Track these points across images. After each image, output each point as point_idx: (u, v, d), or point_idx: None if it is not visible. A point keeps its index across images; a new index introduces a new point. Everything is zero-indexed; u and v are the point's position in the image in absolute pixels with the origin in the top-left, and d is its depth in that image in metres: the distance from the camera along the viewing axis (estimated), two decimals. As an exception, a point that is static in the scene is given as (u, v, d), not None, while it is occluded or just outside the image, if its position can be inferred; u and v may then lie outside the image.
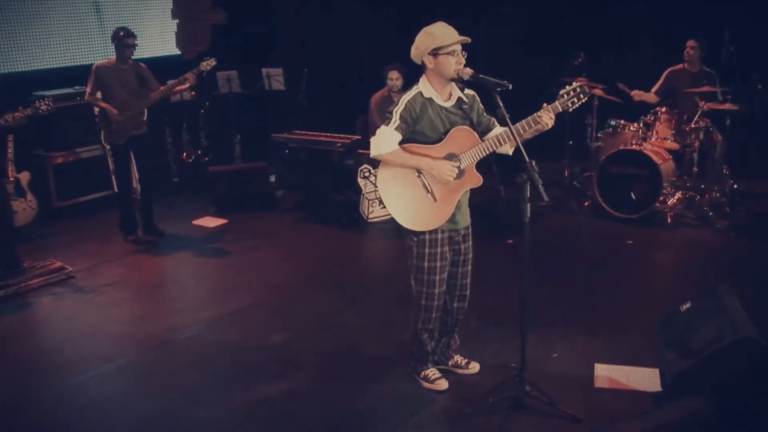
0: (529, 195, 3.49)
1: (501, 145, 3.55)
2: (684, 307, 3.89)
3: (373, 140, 3.55)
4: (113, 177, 6.98)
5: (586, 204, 6.84)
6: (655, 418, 2.98)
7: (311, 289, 5.37)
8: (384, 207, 6.53)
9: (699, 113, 6.42)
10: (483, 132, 3.68)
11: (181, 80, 6.30)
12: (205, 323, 4.86)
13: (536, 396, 3.65)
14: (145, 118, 6.43)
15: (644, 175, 6.39)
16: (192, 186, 7.91)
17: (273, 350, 4.46)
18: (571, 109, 3.61)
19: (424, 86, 3.56)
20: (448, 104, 3.60)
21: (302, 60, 8.42)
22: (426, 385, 3.91)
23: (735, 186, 6.75)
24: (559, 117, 7.02)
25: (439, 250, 3.69)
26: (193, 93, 8.11)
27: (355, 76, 8.61)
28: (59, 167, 7.33)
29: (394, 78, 6.68)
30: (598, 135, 6.98)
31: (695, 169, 6.51)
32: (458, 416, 3.64)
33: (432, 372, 3.93)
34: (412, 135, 3.56)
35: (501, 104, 3.45)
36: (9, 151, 6.53)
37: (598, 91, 6.88)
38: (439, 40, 3.45)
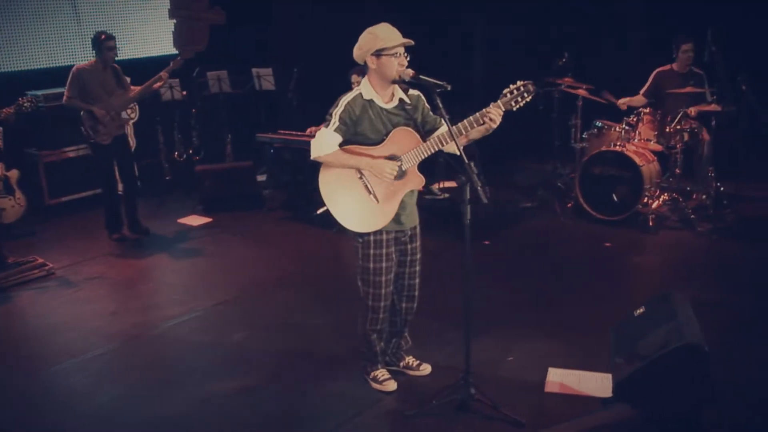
0: (468, 196, 3.44)
1: (443, 144, 3.55)
2: (638, 312, 3.85)
3: (313, 142, 3.57)
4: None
5: (569, 205, 6.80)
6: (581, 423, 2.94)
7: (282, 289, 5.41)
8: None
9: (681, 114, 6.34)
10: (429, 131, 3.69)
11: (156, 79, 6.38)
12: (173, 321, 4.92)
13: (481, 399, 3.64)
14: (126, 119, 6.56)
15: (626, 177, 6.34)
16: (183, 185, 8.00)
17: (233, 349, 4.50)
18: (515, 108, 3.59)
19: (365, 88, 3.57)
20: (390, 105, 3.61)
21: (296, 60, 8.47)
22: (375, 385, 3.92)
23: (721, 188, 6.68)
24: (545, 117, 7.05)
25: (384, 251, 3.70)
26: (185, 93, 8.20)
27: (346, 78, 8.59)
28: (50, 165, 7.46)
29: (356, 81, 6.70)
30: (583, 136, 6.93)
31: (678, 171, 6.42)
32: (402, 418, 3.65)
33: (381, 373, 3.94)
34: (354, 136, 3.58)
35: (440, 105, 3.45)
36: (-2, 146, 6.65)
37: (582, 92, 6.84)
38: (382, 42, 3.46)
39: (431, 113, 3.72)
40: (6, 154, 6.74)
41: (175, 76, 7.86)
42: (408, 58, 3.54)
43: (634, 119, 6.58)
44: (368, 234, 3.66)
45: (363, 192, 3.60)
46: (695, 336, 3.34)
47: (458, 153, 3.45)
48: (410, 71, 3.50)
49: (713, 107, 6.33)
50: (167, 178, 8.31)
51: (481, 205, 7.21)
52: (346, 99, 3.55)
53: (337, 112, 3.53)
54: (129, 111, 7.86)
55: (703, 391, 3.35)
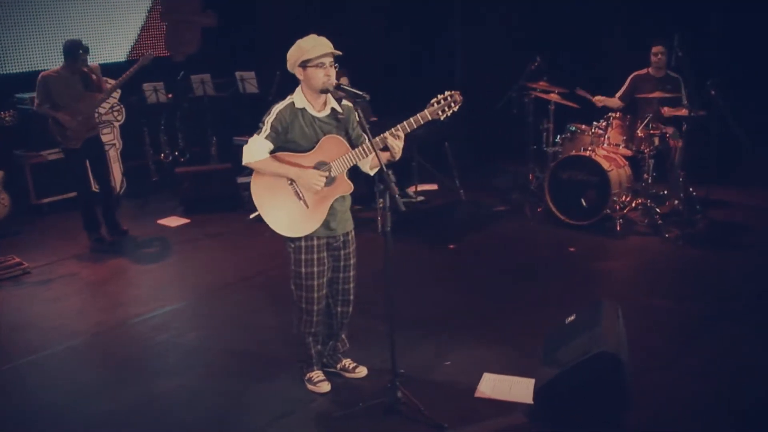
0: (389, 203, 3.52)
1: (367, 155, 3.63)
2: (569, 319, 3.91)
3: (245, 149, 3.67)
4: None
5: (539, 210, 6.84)
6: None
7: (243, 289, 5.53)
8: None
9: (648, 119, 6.36)
10: (358, 142, 3.77)
11: (127, 74, 6.45)
12: (135, 320, 5.06)
13: (407, 403, 3.72)
14: (97, 120, 6.71)
15: (594, 182, 6.37)
16: (169, 186, 8.15)
17: (183, 348, 4.63)
18: (442, 117, 3.68)
19: (297, 97, 3.67)
20: (322, 114, 3.70)
21: (278, 63, 8.57)
22: (310, 387, 4.02)
23: (694, 193, 6.68)
24: (520, 121, 7.08)
25: (315, 256, 3.79)
26: (170, 95, 8.36)
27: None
28: (37, 167, 7.66)
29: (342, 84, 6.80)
30: (556, 140, 6.97)
31: (646, 176, 6.44)
32: (329, 419, 3.74)
33: (316, 374, 4.04)
34: (285, 143, 3.67)
35: (361, 115, 3.55)
36: (-16, 151, 6.84)
37: (554, 96, 6.87)
38: (306, 53, 3.55)
39: (358, 130, 3.80)
40: (-7, 156, 6.94)
41: (160, 79, 8.04)
42: (337, 68, 3.63)
43: (604, 124, 6.60)
44: (300, 239, 3.76)
45: (293, 198, 3.69)
46: (612, 345, 3.39)
47: (380, 162, 3.51)
48: (334, 81, 3.59)
49: (682, 112, 6.34)
50: (154, 179, 8.48)
51: (457, 208, 7.38)
52: (277, 107, 3.65)
53: (269, 120, 3.63)
54: (116, 113, 8.09)
55: (620, 399, 3.41)
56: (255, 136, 3.65)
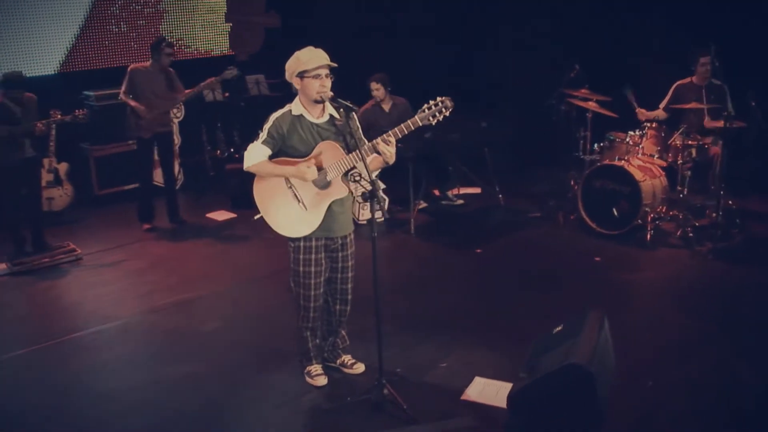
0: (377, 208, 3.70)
1: (360, 160, 3.80)
2: (556, 329, 3.99)
3: (245, 154, 3.92)
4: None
5: (572, 217, 6.84)
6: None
7: (271, 284, 5.79)
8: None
9: (681, 130, 6.28)
10: (356, 148, 3.94)
11: (206, 84, 6.94)
12: (161, 308, 5.42)
13: (392, 400, 3.89)
14: (171, 118, 7.17)
15: (626, 192, 6.33)
16: (222, 181, 8.55)
17: (201, 336, 4.95)
18: (433, 122, 3.82)
19: (295, 105, 3.90)
20: (320, 121, 3.91)
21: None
22: (308, 379, 4.25)
23: (733, 207, 6.55)
24: (559, 128, 7.08)
25: (313, 256, 4.01)
26: (227, 94, 8.77)
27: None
28: (100, 159, 8.19)
29: (374, 88, 7.03)
30: (593, 148, 6.94)
31: (679, 188, 6.36)
32: (318, 411, 3.96)
33: (315, 368, 4.26)
34: (285, 148, 3.90)
35: (358, 125, 3.74)
36: (51, 144, 7.36)
37: (591, 105, 6.85)
38: (303, 65, 3.77)
39: (358, 133, 3.99)
40: (59, 148, 7.46)
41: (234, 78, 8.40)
42: (332, 79, 3.83)
43: (639, 133, 6.55)
44: (299, 240, 3.99)
45: (292, 200, 3.92)
46: (584, 357, 3.45)
47: (367, 170, 3.68)
48: (330, 93, 3.79)
49: (721, 123, 6.21)
50: (211, 174, 8.92)
51: (493, 212, 7.45)
52: (275, 115, 3.89)
53: (267, 127, 3.88)
54: (175, 110, 8.54)
55: (590, 412, 3.47)
56: (254, 142, 3.89)
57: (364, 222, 7.13)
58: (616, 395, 3.76)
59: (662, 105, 6.99)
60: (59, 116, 6.31)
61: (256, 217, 4.36)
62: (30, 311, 5.52)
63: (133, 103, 6.77)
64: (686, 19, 7.34)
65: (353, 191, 7.10)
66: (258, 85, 8.69)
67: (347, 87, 7.45)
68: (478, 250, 6.38)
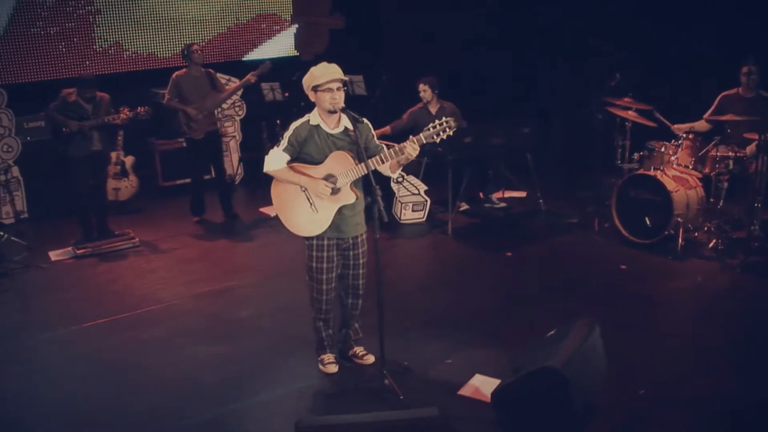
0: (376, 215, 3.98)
1: (370, 169, 4.08)
2: (549, 333, 4.18)
3: (266, 158, 4.29)
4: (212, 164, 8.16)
5: (606, 225, 6.93)
6: (384, 416, 3.37)
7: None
8: (415, 211, 7.26)
9: (714, 142, 6.28)
10: (371, 156, 4.24)
11: (245, 81, 7.38)
12: (201, 294, 5.89)
13: (391, 390, 4.18)
14: (218, 116, 7.67)
15: (658, 202, 6.38)
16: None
17: (231, 322, 5.37)
18: (437, 140, 4.08)
19: (313, 115, 4.23)
20: (336, 131, 4.23)
21: (387, 67, 9.18)
22: (320, 367, 4.59)
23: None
24: (598, 136, 7.19)
25: (325, 254, 4.34)
26: (286, 94, 9.20)
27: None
28: (165, 153, 8.78)
29: (421, 90, 7.30)
30: (632, 157, 7.00)
31: (712, 200, 6.36)
32: (323, 395, 4.30)
33: (327, 357, 4.59)
34: (301, 155, 4.25)
35: (372, 133, 4.21)
36: (119, 139, 7.99)
37: (630, 114, 6.90)
38: (316, 79, 4.10)
39: (374, 141, 4.29)
40: (127, 142, 8.08)
41: (272, 79, 8.89)
42: (345, 90, 4.15)
43: (675, 144, 6.57)
44: (312, 238, 4.33)
45: (305, 203, 4.26)
46: (561, 361, 3.64)
47: (371, 179, 3.98)
48: (341, 104, 4.11)
49: (755, 135, 6.18)
50: (268, 169, 9.38)
51: (532, 216, 7.61)
52: (295, 125, 4.23)
53: (287, 135, 4.23)
54: (237, 109, 9.08)
55: (563, 415, 3.65)
56: (275, 148, 4.25)
57: (407, 221, 7.46)
58: (616, 401, 3.98)
59: (706, 115, 6.95)
60: (125, 114, 6.84)
61: (272, 215, 4.77)
62: (87, 292, 6.08)
63: (183, 106, 7.24)
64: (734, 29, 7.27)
65: (396, 192, 7.47)
66: (273, 92, 9.05)
67: (405, 88, 7.80)
68: (509, 254, 6.56)
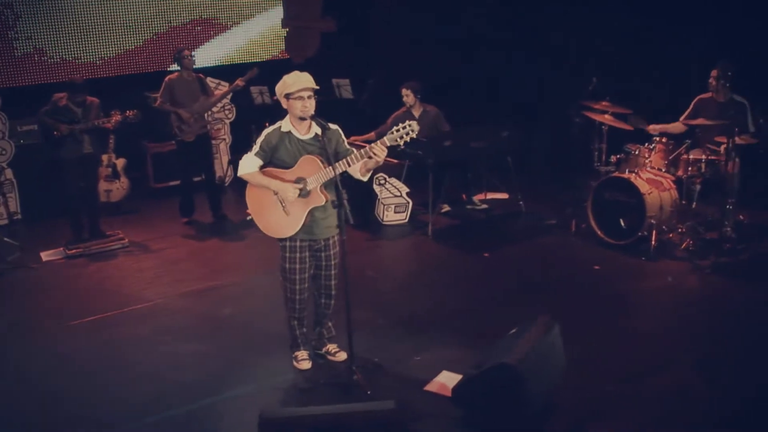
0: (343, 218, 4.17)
1: (337, 172, 4.26)
2: (511, 331, 4.35)
3: (240, 163, 4.47)
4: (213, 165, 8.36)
5: (583, 226, 7.10)
6: (342, 408, 3.56)
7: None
8: (397, 212, 7.43)
9: (685, 145, 6.45)
10: (347, 156, 4.41)
11: (233, 86, 7.59)
12: (187, 293, 6.08)
13: (360, 385, 4.37)
14: (207, 119, 7.86)
15: (632, 204, 6.55)
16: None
17: (214, 320, 5.56)
18: (401, 143, 4.27)
19: (285, 122, 4.42)
20: (307, 137, 4.42)
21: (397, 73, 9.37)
22: (294, 363, 4.78)
23: (743, 221, 6.66)
24: (575, 139, 7.36)
25: (297, 255, 4.52)
26: (275, 97, 9.36)
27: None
28: (157, 155, 8.98)
29: (404, 94, 7.52)
30: (610, 160, 7.16)
31: (684, 202, 6.54)
32: (294, 389, 4.49)
33: (301, 353, 4.78)
34: (274, 160, 4.43)
35: (342, 138, 4.39)
36: (110, 142, 8.18)
37: (606, 118, 7.07)
38: (288, 88, 4.29)
39: (344, 145, 4.47)
40: (118, 144, 8.27)
41: (262, 83, 9.07)
42: (315, 99, 4.33)
43: (649, 147, 6.75)
44: (285, 240, 4.52)
45: (277, 205, 4.44)
46: (516, 358, 3.82)
47: (338, 181, 4.18)
48: (311, 112, 4.30)
49: (739, 140, 6.35)
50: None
51: (512, 218, 7.77)
52: (267, 131, 4.42)
53: (259, 141, 4.42)
54: (227, 112, 9.26)
55: (519, 410, 3.83)
56: (248, 153, 4.44)
57: (389, 222, 7.64)
58: (577, 397, 4.18)
59: (681, 118, 7.10)
60: (115, 117, 7.03)
61: (248, 218, 4.96)
62: (76, 291, 6.27)
63: (176, 109, 7.44)
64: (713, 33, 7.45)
65: (378, 194, 7.65)
66: (261, 95, 9.22)
67: (393, 92, 7.96)
68: (486, 254, 6.74)
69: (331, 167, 4.27)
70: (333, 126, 4.48)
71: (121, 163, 8.37)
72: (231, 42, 10.31)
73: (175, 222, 7.90)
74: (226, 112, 9.41)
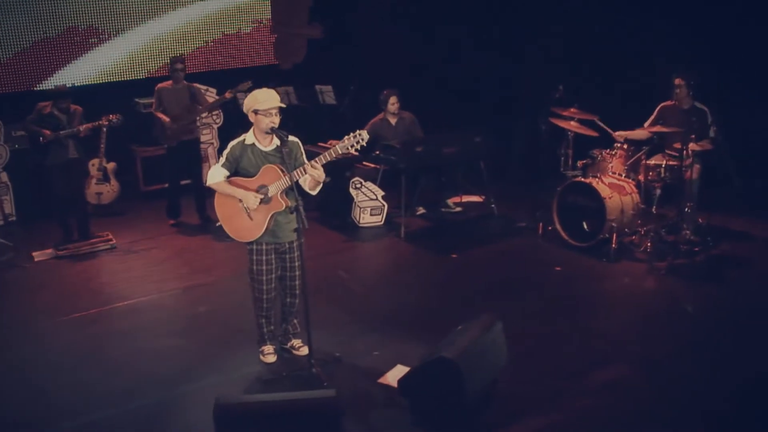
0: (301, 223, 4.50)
1: (293, 180, 4.60)
2: (458, 328, 4.68)
3: (208, 173, 4.82)
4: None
5: (549, 228, 7.42)
6: (283, 396, 3.91)
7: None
8: (373, 215, 7.77)
9: (643, 151, 6.78)
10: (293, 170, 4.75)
11: (221, 98, 7.94)
12: (168, 292, 6.42)
13: (318, 377, 4.71)
14: (197, 126, 8.21)
15: (593, 207, 6.87)
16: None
17: (191, 317, 5.92)
18: (352, 151, 4.63)
19: (249, 135, 4.77)
20: (269, 149, 4.76)
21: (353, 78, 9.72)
22: (261, 357, 5.12)
23: (702, 223, 6.98)
24: (543, 145, 7.67)
25: (264, 257, 4.87)
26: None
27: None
28: (147, 159, 9.33)
29: (392, 102, 7.96)
30: (576, 165, 7.48)
31: (642, 206, 6.87)
32: (258, 380, 4.83)
33: (267, 348, 5.13)
34: (239, 170, 4.78)
35: (301, 150, 4.75)
36: (101, 146, 8.51)
37: (572, 125, 7.38)
38: (258, 104, 4.63)
39: (301, 158, 4.81)
40: (109, 149, 8.61)
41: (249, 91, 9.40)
42: (280, 117, 4.67)
43: (611, 152, 7.07)
44: (251, 243, 4.86)
45: (242, 212, 4.79)
46: (455, 352, 4.15)
47: (296, 188, 4.52)
48: (275, 126, 4.64)
49: (698, 146, 6.68)
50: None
51: (484, 221, 8.07)
52: (231, 144, 4.78)
53: (225, 153, 4.78)
54: (215, 117, 9.61)
55: (456, 401, 4.15)
56: (216, 164, 4.79)
57: (366, 225, 7.98)
58: (517, 391, 4.53)
59: (646, 124, 7.42)
60: (100, 122, 7.39)
61: (218, 224, 5.29)
62: (63, 290, 6.61)
63: (159, 115, 7.81)
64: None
65: (354, 197, 7.98)
66: (288, 96, 9.59)
67: (373, 98, 8.29)
68: (454, 255, 7.07)
69: (288, 176, 4.61)
70: (293, 138, 4.82)
71: (111, 166, 8.71)
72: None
73: (163, 224, 8.24)
74: (214, 117, 9.75)
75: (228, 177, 4.79)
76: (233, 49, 10.64)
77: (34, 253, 7.40)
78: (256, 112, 4.65)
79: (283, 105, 4.68)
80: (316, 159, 4.60)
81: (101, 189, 8.61)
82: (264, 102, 4.61)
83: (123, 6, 9.52)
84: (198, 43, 10.27)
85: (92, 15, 9.35)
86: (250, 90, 7.94)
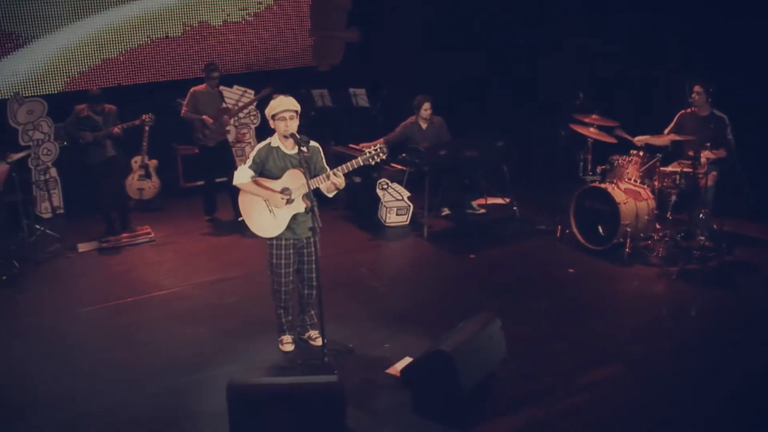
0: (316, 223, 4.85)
1: (314, 186, 4.95)
2: (459, 324, 4.96)
3: (235, 173, 5.19)
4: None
5: (567, 231, 7.63)
6: (290, 380, 4.22)
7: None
8: (399, 215, 8.10)
9: (656, 158, 6.94)
10: (317, 175, 5.11)
11: (249, 102, 8.40)
12: (198, 284, 6.83)
13: (330, 366, 5.04)
14: (228, 128, 8.67)
15: (608, 212, 7.07)
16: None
17: (216, 308, 6.30)
18: (372, 163, 4.95)
19: (273, 138, 5.13)
20: (292, 152, 5.11)
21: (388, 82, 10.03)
22: (279, 346, 5.49)
23: (716, 228, 7.11)
24: (563, 151, 7.90)
25: (283, 252, 5.23)
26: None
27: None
28: (187, 157, 9.81)
29: (426, 108, 8.24)
30: (596, 170, 7.67)
31: (656, 211, 7.03)
32: (276, 367, 5.18)
33: (286, 338, 5.49)
34: (264, 171, 5.14)
35: (321, 156, 5.11)
36: (144, 144, 9.02)
37: (591, 131, 7.57)
38: (273, 110, 4.99)
39: (321, 162, 5.16)
40: (151, 146, 9.12)
41: (282, 92, 9.80)
42: (297, 121, 5.02)
43: (627, 159, 7.25)
44: (272, 239, 5.23)
45: (266, 210, 5.16)
46: (452, 346, 4.43)
47: (310, 195, 4.86)
48: (292, 131, 4.98)
49: (712, 154, 6.82)
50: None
51: (506, 223, 8.32)
52: (258, 146, 5.14)
53: (252, 155, 5.14)
54: (252, 117, 10.05)
55: (451, 391, 4.43)
56: (243, 165, 5.16)
57: (392, 224, 8.30)
58: (514, 386, 4.79)
59: (666, 131, 7.56)
60: (133, 122, 7.91)
61: (240, 219, 5.66)
62: (104, 279, 7.10)
63: (200, 116, 8.24)
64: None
65: (381, 197, 8.30)
66: (322, 98, 9.96)
67: (406, 102, 8.60)
68: (472, 256, 7.33)
69: (310, 180, 4.95)
70: (313, 143, 5.16)
71: (153, 163, 9.21)
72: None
73: (199, 219, 8.69)
74: (252, 117, 10.19)
75: (253, 177, 5.14)
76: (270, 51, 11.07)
77: (79, 245, 7.91)
78: (273, 117, 5.01)
79: (298, 108, 5.01)
80: (338, 168, 4.94)
81: (143, 185, 9.11)
82: (277, 107, 4.97)
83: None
84: (238, 46, 10.74)
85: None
86: (270, 96, 8.46)
